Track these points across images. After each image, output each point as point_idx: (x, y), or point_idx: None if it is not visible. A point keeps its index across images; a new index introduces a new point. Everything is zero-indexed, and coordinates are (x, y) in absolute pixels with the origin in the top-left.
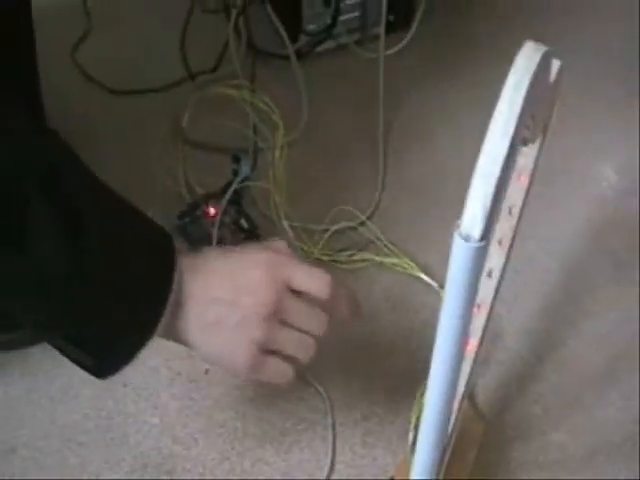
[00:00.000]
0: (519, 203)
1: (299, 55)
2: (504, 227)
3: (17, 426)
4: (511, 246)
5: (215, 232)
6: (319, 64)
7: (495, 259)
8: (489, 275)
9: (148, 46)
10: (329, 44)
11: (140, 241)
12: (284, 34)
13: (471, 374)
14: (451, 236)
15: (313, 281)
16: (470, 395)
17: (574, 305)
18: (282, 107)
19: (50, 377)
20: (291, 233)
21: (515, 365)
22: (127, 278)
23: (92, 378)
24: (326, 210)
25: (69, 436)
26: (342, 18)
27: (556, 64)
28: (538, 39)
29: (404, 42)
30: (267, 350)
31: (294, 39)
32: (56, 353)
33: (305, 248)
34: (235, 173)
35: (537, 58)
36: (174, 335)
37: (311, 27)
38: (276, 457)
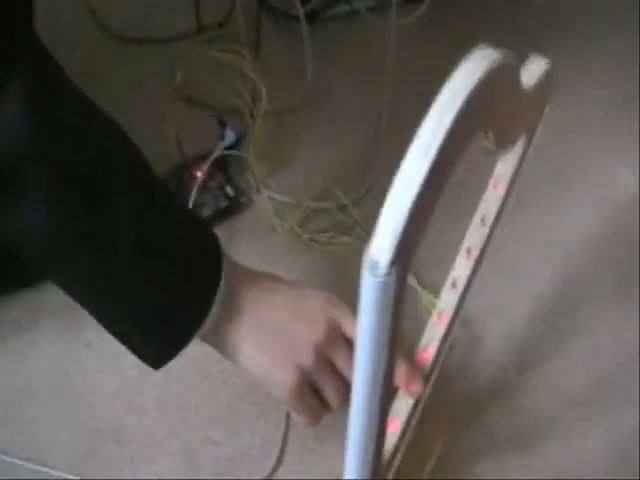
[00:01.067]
0: (493, 213)
1: (311, 18)
2: (474, 236)
3: None
4: (481, 256)
5: (193, 195)
6: (330, 29)
7: (461, 269)
8: (453, 285)
9: None
10: (343, 8)
11: (193, 230)
12: None
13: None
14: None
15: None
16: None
17: (567, 319)
18: (286, 71)
19: (20, 329)
20: (270, 206)
21: (493, 374)
22: (182, 257)
23: (58, 336)
24: (312, 186)
25: (27, 389)
26: None
27: (540, 67)
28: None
29: (418, 12)
30: (308, 385)
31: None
32: (31, 308)
33: (282, 224)
34: (222, 138)
35: (484, 67)
36: (223, 344)
37: None
38: (226, 439)
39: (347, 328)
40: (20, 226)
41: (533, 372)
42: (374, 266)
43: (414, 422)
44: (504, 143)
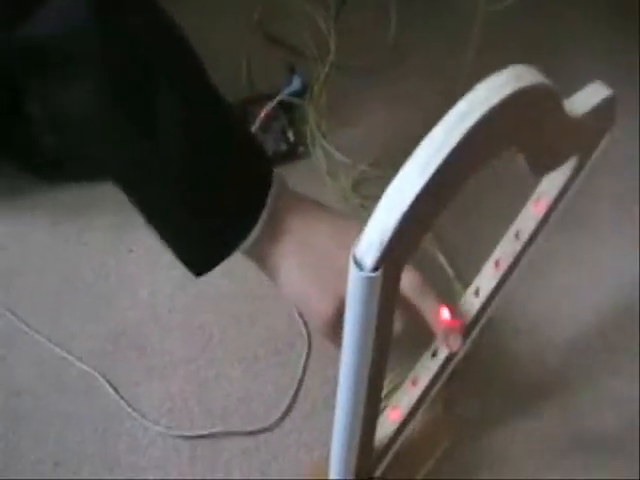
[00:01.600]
0: (529, 229)
1: None
2: (505, 249)
3: (31, 251)
4: (509, 270)
5: (254, 131)
6: None
7: (486, 278)
8: (476, 294)
9: None
10: None
11: (245, 140)
12: None
13: (434, 383)
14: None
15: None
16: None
17: (608, 352)
18: (368, 30)
19: (72, 219)
20: (324, 162)
21: (513, 392)
22: (232, 163)
23: (104, 234)
24: (373, 150)
25: (68, 278)
26: None
27: (595, 94)
28: None
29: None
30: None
31: None
32: (84, 201)
33: (334, 183)
34: (289, 83)
35: (509, 87)
36: (265, 261)
37: None
38: (241, 378)
39: None
40: (70, 100)
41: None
42: (359, 264)
43: (419, 411)
44: (541, 167)
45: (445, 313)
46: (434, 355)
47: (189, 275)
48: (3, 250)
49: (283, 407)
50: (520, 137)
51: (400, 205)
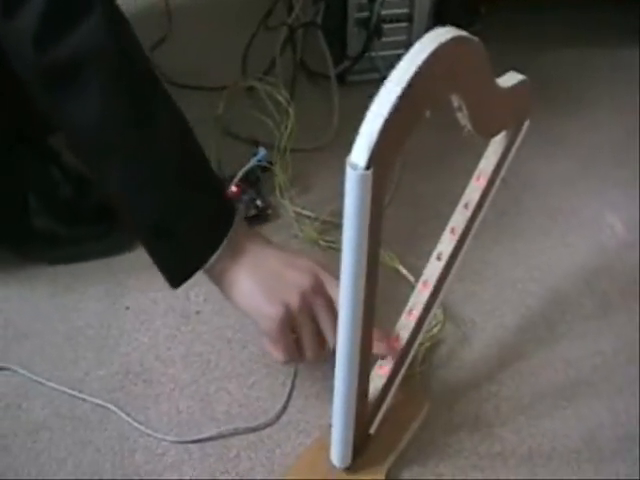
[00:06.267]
0: (475, 200)
1: (343, 81)
2: (458, 218)
3: (34, 318)
4: (464, 236)
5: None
6: (361, 91)
7: (445, 244)
8: (438, 258)
9: (215, 51)
10: (373, 75)
11: (217, 178)
12: (328, 56)
13: (414, 339)
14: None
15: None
16: (422, 377)
17: (548, 329)
18: (315, 116)
19: (69, 290)
20: (292, 214)
21: (476, 366)
22: (210, 189)
23: (102, 298)
24: (332, 203)
25: (71, 335)
26: (385, 53)
27: (515, 78)
28: None
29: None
30: (290, 324)
31: (338, 62)
32: (78, 273)
33: (303, 231)
34: (255, 155)
35: (450, 34)
36: (223, 278)
37: (353, 54)
38: (238, 390)
39: (330, 288)
40: (78, 109)
41: (511, 367)
42: (354, 166)
43: (401, 371)
44: (480, 128)
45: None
46: (410, 313)
47: (184, 318)
48: (7, 318)
49: (280, 405)
50: (459, 83)
51: (381, 114)
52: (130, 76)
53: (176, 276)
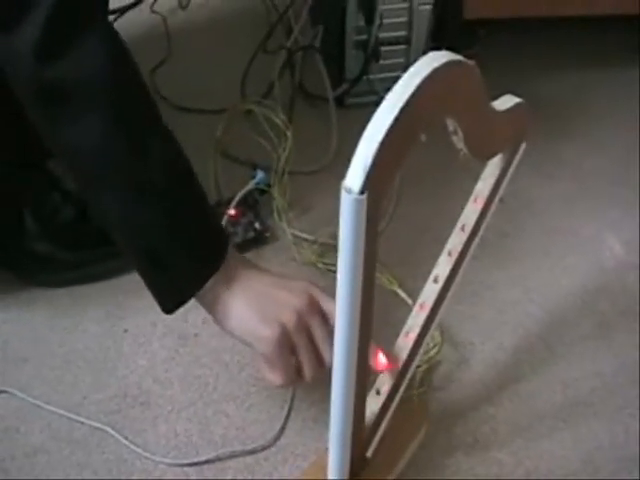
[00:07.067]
0: (472, 222)
1: (342, 104)
2: (455, 241)
3: (33, 341)
4: (462, 258)
5: (226, 226)
6: (359, 114)
7: (442, 267)
8: (435, 281)
9: (215, 74)
10: (371, 98)
11: (211, 207)
12: (327, 79)
13: (412, 361)
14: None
15: None
16: (420, 398)
17: (547, 350)
18: (313, 138)
19: (67, 312)
20: (290, 236)
21: (474, 388)
22: (202, 216)
23: (100, 321)
24: (330, 226)
25: (69, 359)
26: (383, 76)
27: (511, 101)
28: None
29: None
30: (288, 345)
31: (337, 85)
32: (76, 295)
33: (302, 253)
34: (253, 178)
35: (445, 59)
36: (216, 305)
37: (351, 76)
38: (236, 412)
39: (325, 307)
40: (72, 134)
41: (509, 389)
42: (348, 190)
43: (399, 393)
44: (476, 151)
45: (382, 359)
46: (407, 335)
47: (182, 340)
48: (6, 340)
49: (277, 428)
50: (454, 107)
51: (376, 138)
52: (128, 103)
53: (169, 302)
